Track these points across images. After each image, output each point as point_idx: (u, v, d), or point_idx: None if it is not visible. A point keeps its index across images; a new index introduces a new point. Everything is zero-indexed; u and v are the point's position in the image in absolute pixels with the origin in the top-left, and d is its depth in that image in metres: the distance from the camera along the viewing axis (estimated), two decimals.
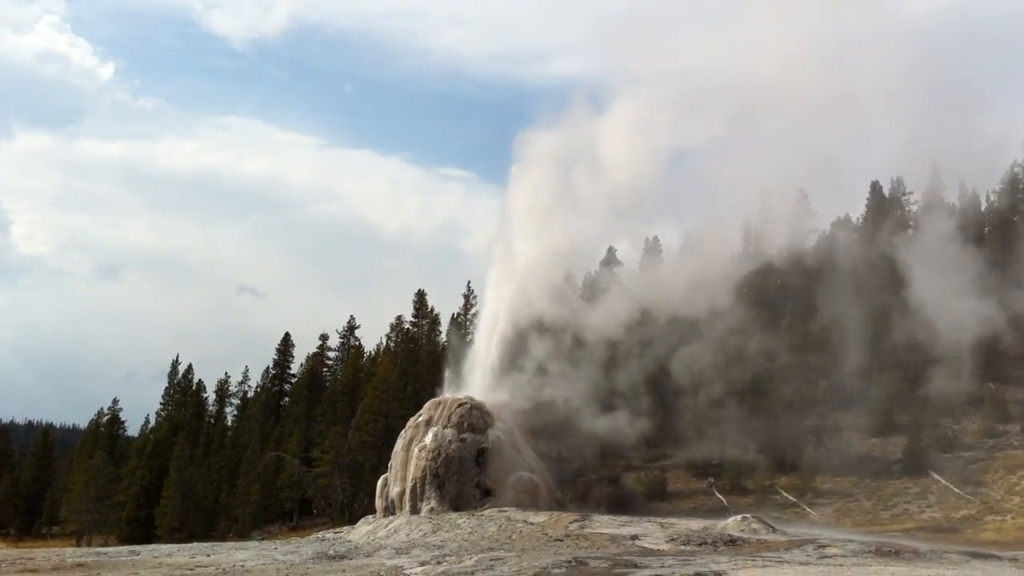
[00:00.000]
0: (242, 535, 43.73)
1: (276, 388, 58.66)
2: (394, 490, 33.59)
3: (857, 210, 50.99)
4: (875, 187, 50.13)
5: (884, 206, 49.33)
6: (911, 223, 48.29)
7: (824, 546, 22.40)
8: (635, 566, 19.21)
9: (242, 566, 21.77)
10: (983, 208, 49.21)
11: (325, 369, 57.46)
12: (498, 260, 39.13)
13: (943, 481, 33.90)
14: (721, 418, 38.80)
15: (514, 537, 26.05)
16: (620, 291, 40.24)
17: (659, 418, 39.63)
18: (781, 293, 45.27)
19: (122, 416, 63.33)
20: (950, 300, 36.87)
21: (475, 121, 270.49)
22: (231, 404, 61.66)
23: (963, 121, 45.14)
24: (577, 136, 40.79)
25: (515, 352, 36.70)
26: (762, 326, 40.56)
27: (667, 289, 38.99)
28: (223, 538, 42.24)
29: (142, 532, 47.53)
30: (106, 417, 63.24)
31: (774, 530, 26.01)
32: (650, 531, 26.00)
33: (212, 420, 59.84)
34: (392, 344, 52.69)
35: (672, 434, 41.41)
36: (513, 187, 40.63)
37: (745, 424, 38.05)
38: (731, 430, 38.32)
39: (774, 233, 45.46)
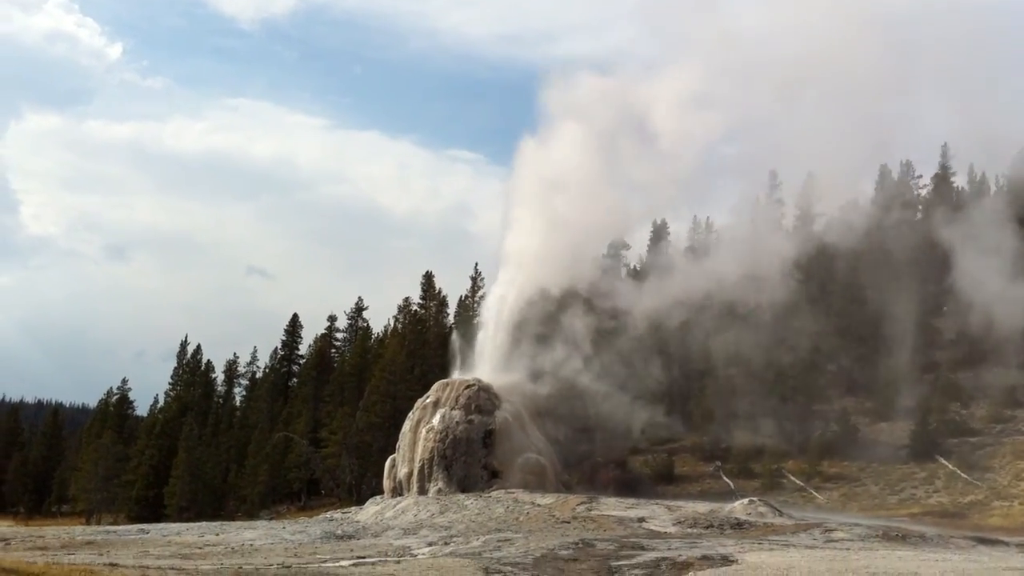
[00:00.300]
0: (251, 515, 43.98)
1: (284, 369, 58.85)
2: (402, 471, 33.72)
3: (867, 193, 50.50)
4: (884, 170, 49.79)
5: (900, 187, 48.78)
6: (919, 207, 47.94)
7: (831, 530, 22.46)
8: (642, 548, 19.29)
9: (251, 545, 21.93)
10: (992, 193, 48.81)
11: (333, 350, 57.58)
12: (510, 243, 38.76)
13: (950, 466, 33.84)
14: (737, 403, 38.61)
15: (521, 519, 26.13)
16: (668, 273, 39.62)
17: (683, 403, 39.40)
18: (806, 277, 44.61)
19: (131, 396, 64.04)
20: (991, 283, 36.31)
21: (483, 103, 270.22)
22: (240, 384, 61.99)
23: (1012, 101, 44.33)
24: (622, 102, 40.22)
25: (534, 329, 36.46)
26: (789, 311, 39.97)
27: (711, 275, 38.34)
28: (231, 518, 42.44)
29: (151, 511, 47.83)
30: (115, 397, 63.76)
31: (781, 514, 26.08)
32: (657, 514, 26.08)
33: (221, 400, 60.20)
34: (400, 326, 52.82)
35: (689, 418, 41.21)
36: (545, 149, 39.65)
37: (760, 409, 37.89)
38: (745, 415, 38.14)
39: (820, 214, 44.91)
